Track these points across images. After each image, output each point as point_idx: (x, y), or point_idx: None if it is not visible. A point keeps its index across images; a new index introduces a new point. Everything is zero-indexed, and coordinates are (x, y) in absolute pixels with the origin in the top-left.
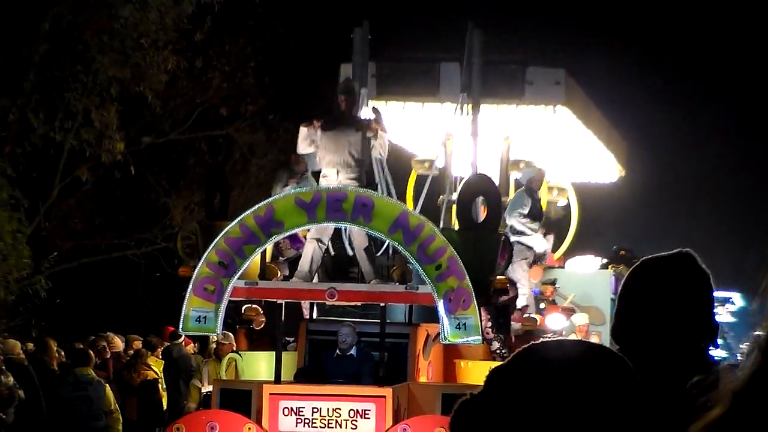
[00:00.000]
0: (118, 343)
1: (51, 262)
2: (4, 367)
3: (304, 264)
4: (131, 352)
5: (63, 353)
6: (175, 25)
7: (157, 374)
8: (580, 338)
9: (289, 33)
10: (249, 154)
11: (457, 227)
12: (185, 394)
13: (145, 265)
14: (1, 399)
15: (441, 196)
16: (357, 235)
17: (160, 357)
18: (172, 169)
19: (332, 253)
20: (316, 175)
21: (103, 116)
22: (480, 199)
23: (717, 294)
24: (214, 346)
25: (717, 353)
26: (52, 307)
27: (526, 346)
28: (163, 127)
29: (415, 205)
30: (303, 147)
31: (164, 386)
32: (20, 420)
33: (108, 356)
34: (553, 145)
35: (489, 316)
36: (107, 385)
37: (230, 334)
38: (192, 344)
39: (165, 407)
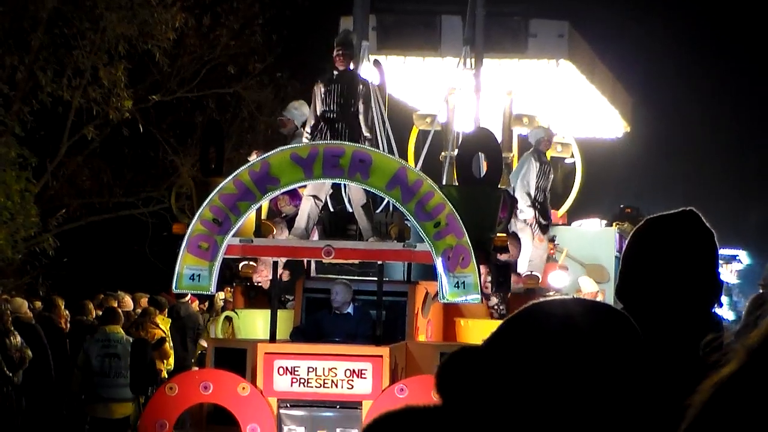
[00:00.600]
0: (128, 302)
1: (58, 221)
2: (12, 328)
3: (300, 221)
4: (139, 310)
5: (68, 313)
6: None
7: (165, 333)
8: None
9: None
10: (257, 112)
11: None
12: (192, 353)
13: (153, 224)
14: (11, 361)
15: (443, 153)
16: (355, 192)
17: (167, 316)
18: (180, 127)
19: (331, 209)
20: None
21: (111, 74)
22: (481, 154)
23: (723, 252)
24: (221, 304)
25: (723, 312)
26: (59, 266)
27: (528, 304)
28: (170, 84)
29: (417, 161)
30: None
31: (171, 344)
32: (28, 379)
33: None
34: (556, 100)
35: (489, 275)
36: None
37: (228, 291)
38: (197, 302)
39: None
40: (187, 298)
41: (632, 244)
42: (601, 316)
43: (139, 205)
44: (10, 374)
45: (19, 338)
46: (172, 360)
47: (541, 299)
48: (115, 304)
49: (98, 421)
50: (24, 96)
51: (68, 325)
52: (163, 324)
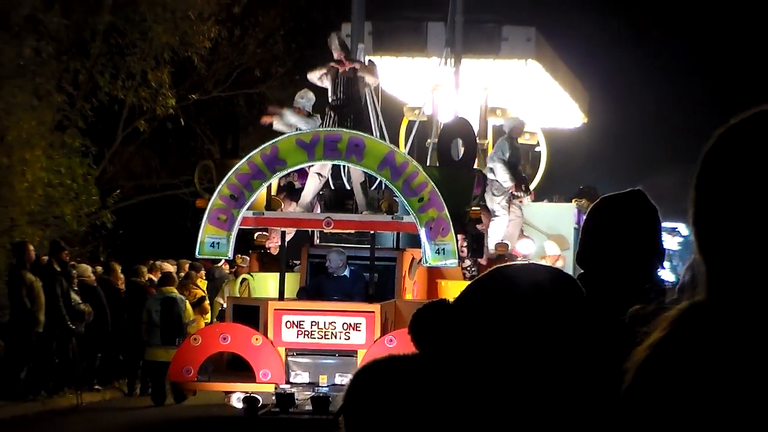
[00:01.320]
0: (168, 266)
1: (115, 199)
2: (77, 288)
3: (305, 196)
4: (182, 273)
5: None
6: (217, 0)
7: (203, 292)
8: (544, 263)
9: (310, 5)
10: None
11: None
12: None
13: (192, 202)
14: (77, 312)
15: (429, 140)
16: (354, 171)
17: (204, 278)
18: (215, 121)
19: (332, 187)
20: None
21: (157, 76)
22: (459, 140)
23: (666, 225)
24: (236, 269)
25: (665, 275)
26: (116, 237)
27: (494, 267)
28: (207, 85)
29: (407, 146)
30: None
31: (209, 302)
32: (90, 330)
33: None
34: (525, 95)
35: (465, 243)
36: (187, 301)
37: (246, 257)
38: (228, 266)
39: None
40: (221, 263)
41: (590, 218)
42: (552, 276)
43: (181, 186)
44: (73, 327)
45: (78, 297)
46: (208, 315)
47: (505, 264)
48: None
49: (152, 363)
50: (85, 95)
51: (124, 285)
52: (201, 284)
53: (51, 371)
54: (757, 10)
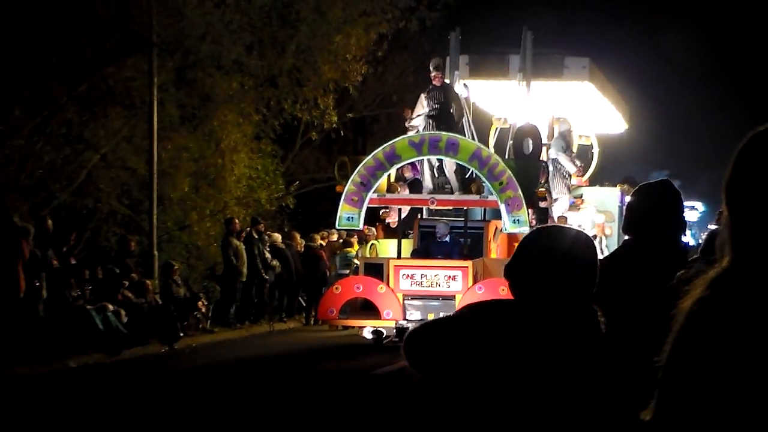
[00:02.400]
0: (334, 234)
1: (295, 188)
2: (267, 248)
3: (427, 181)
4: (341, 241)
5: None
6: (366, 47)
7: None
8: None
9: (432, 50)
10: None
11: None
12: None
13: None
14: (269, 266)
15: (510, 141)
16: (449, 163)
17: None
18: (365, 132)
19: (436, 176)
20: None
21: (324, 101)
22: (528, 139)
23: (687, 203)
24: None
25: (688, 239)
26: (297, 214)
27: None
28: (359, 107)
29: (492, 145)
30: (417, 110)
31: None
32: (277, 280)
33: (325, 243)
34: (581, 107)
35: (534, 215)
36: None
37: (373, 228)
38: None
39: None
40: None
41: (632, 199)
42: (577, 234)
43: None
44: (266, 277)
45: (270, 256)
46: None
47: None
48: (326, 237)
49: None
50: (275, 115)
51: (302, 248)
52: (355, 246)
53: (251, 308)
54: None
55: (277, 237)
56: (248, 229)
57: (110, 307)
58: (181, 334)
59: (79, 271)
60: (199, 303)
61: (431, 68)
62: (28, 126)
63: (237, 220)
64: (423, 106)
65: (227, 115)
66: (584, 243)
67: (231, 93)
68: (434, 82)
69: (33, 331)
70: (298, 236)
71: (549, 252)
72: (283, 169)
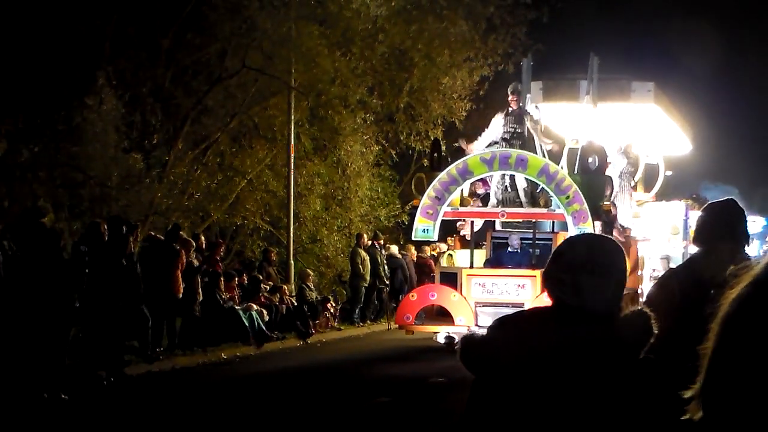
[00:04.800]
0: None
1: (410, 207)
2: (385, 260)
3: (497, 194)
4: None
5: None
6: (470, 87)
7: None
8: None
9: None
10: None
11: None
12: None
13: None
14: (385, 271)
15: (577, 158)
16: (519, 178)
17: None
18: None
19: (509, 190)
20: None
21: (434, 133)
22: (595, 156)
23: (750, 218)
24: (445, 247)
25: (750, 251)
26: (410, 230)
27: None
28: (463, 137)
29: (563, 164)
30: (491, 128)
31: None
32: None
33: (436, 254)
34: (647, 128)
35: (601, 227)
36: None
37: (451, 239)
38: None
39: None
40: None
41: (701, 216)
42: (607, 241)
43: None
44: (387, 281)
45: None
46: None
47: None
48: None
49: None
50: (392, 145)
51: (415, 258)
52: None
53: (372, 308)
54: None
55: (394, 249)
56: (370, 242)
57: (254, 307)
58: (313, 331)
59: (229, 277)
60: (329, 304)
61: (509, 92)
62: (189, 156)
63: (365, 235)
64: (499, 126)
65: (352, 146)
66: (614, 251)
67: (355, 127)
68: (511, 105)
69: (191, 327)
70: (412, 248)
71: (583, 262)
72: (399, 191)
